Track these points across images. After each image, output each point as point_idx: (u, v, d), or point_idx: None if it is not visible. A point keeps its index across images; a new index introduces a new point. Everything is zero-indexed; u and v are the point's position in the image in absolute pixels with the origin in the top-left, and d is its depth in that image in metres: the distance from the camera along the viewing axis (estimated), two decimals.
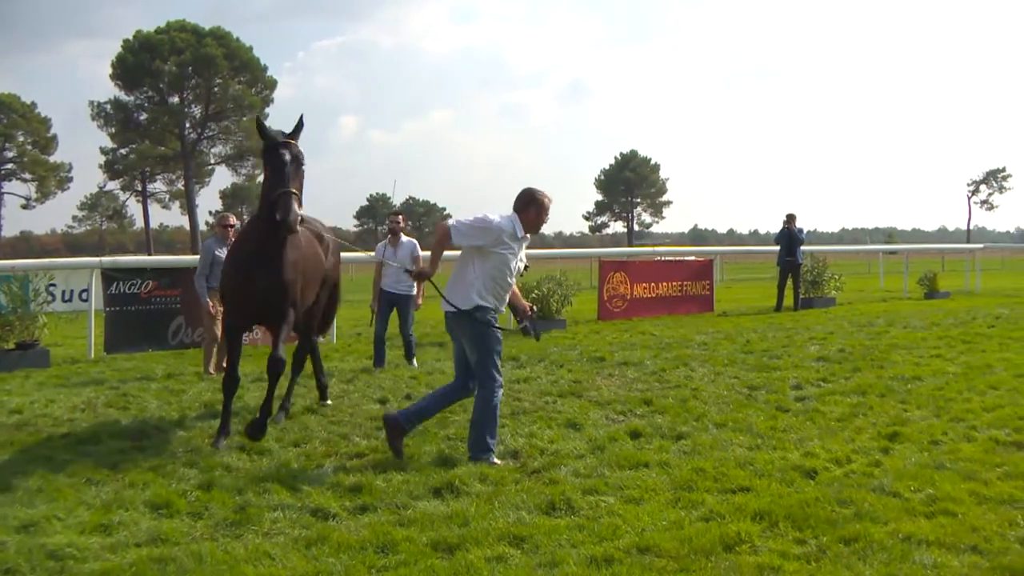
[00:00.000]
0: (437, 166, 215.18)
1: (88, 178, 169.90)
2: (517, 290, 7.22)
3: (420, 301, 11.82)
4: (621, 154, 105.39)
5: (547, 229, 7.87)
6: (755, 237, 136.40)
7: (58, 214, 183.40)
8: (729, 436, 7.33)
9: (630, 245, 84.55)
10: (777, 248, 20.50)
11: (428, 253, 7.08)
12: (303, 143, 7.23)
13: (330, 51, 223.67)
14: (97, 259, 13.92)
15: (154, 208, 78.84)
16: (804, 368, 10.81)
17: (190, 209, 71.47)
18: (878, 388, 9.31)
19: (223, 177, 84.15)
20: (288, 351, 8.83)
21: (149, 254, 60.67)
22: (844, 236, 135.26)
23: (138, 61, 65.35)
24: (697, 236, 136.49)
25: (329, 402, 9.01)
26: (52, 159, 74.69)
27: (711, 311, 19.70)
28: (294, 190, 6.87)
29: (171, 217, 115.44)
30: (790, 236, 20.01)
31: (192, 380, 10.61)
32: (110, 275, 13.15)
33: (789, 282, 20.07)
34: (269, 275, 7.28)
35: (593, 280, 21.90)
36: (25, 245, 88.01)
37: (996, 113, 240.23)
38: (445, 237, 6.68)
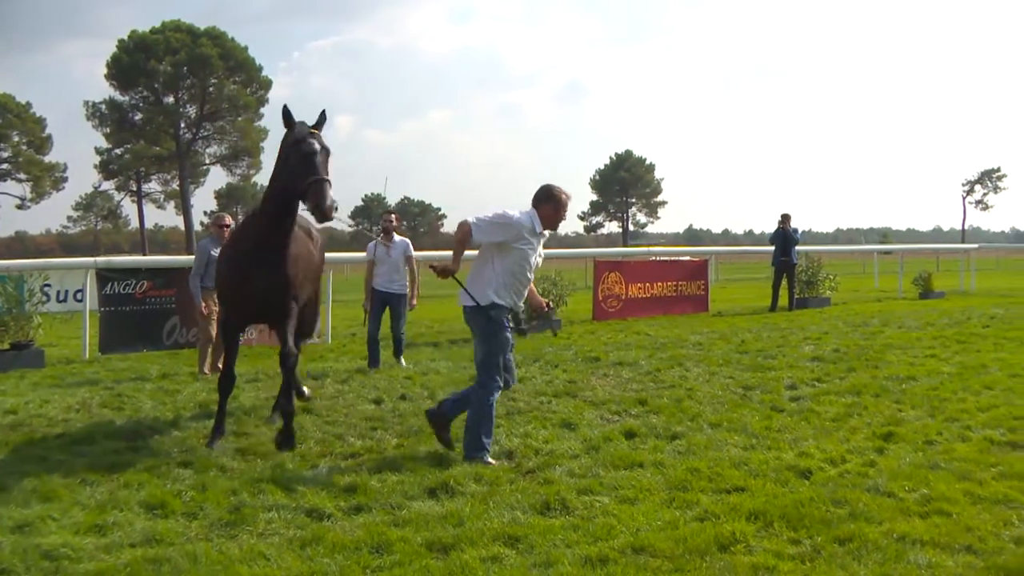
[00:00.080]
0: (434, 166, 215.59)
1: (83, 178, 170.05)
2: (533, 287, 7.24)
3: (415, 302, 11.82)
4: (616, 154, 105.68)
5: None
6: (750, 237, 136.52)
7: (53, 214, 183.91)
8: (724, 436, 7.33)
9: (625, 245, 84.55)
10: (772, 248, 20.50)
11: (448, 252, 7.01)
12: None
13: (325, 51, 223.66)
14: (92, 259, 13.91)
15: (149, 208, 78.91)
16: (799, 368, 10.82)
17: (185, 209, 71.43)
18: (873, 388, 9.32)
19: (218, 177, 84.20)
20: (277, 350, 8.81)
21: (144, 254, 60.73)
22: (839, 236, 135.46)
23: (133, 61, 65.28)
24: (692, 236, 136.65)
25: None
26: (47, 159, 74.53)
27: (706, 311, 19.72)
28: (327, 178, 6.75)
29: (166, 217, 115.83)
30: (785, 236, 20.03)
31: (187, 380, 10.60)
32: (105, 275, 13.13)
33: (784, 282, 20.09)
34: (272, 272, 7.21)
35: (588, 280, 21.90)
36: (20, 245, 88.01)
37: (991, 113, 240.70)
38: (467, 235, 6.63)
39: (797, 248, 20.40)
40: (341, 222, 8.74)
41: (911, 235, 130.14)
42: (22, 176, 73.47)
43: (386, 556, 4.74)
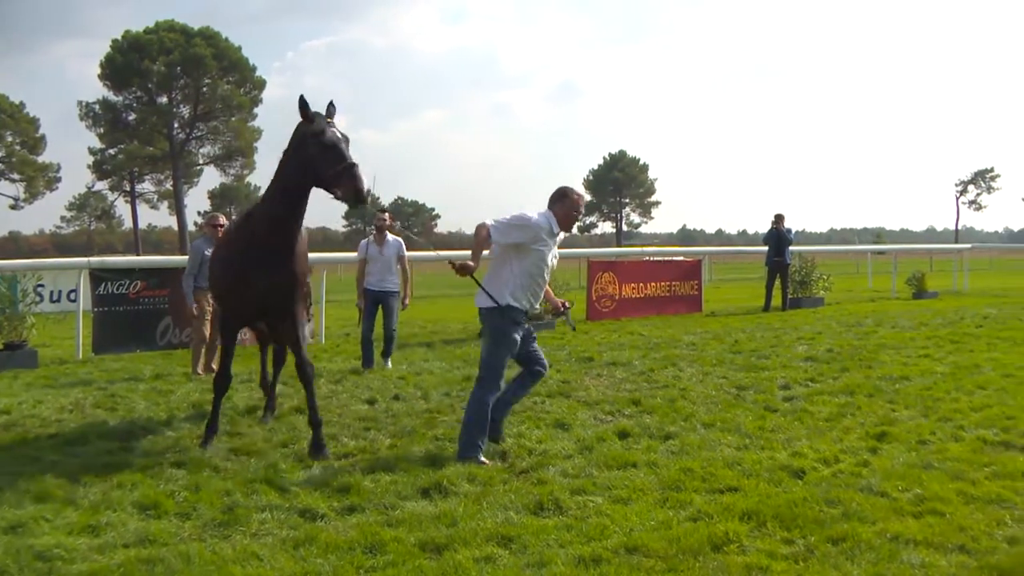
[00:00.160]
0: (428, 166, 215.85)
1: (77, 178, 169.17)
2: (549, 289, 7.26)
3: (408, 301, 11.80)
4: (610, 154, 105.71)
5: None
6: (743, 237, 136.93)
7: (46, 214, 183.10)
8: (717, 436, 7.34)
9: (619, 245, 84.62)
10: (766, 248, 20.53)
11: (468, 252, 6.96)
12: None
13: (319, 51, 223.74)
14: (85, 259, 13.90)
15: (142, 208, 78.59)
16: (792, 368, 10.83)
17: (178, 209, 71.25)
18: (866, 388, 9.34)
19: (211, 177, 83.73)
20: (271, 351, 8.80)
21: (137, 254, 60.48)
22: (832, 236, 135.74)
23: (127, 61, 65.12)
24: (686, 236, 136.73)
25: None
26: (40, 159, 74.24)
27: (699, 311, 19.72)
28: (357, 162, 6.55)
29: (159, 217, 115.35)
30: (778, 236, 20.05)
31: (180, 381, 10.58)
32: (98, 275, 13.12)
33: (777, 282, 20.11)
34: (277, 271, 7.05)
35: (582, 280, 21.87)
36: (13, 245, 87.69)
37: (984, 114, 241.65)
38: (485, 237, 6.61)
39: (791, 248, 20.41)
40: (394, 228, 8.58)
41: (905, 235, 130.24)
42: (16, 176, 73.19)
43: (379, 556, 4.73)
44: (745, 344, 13.28)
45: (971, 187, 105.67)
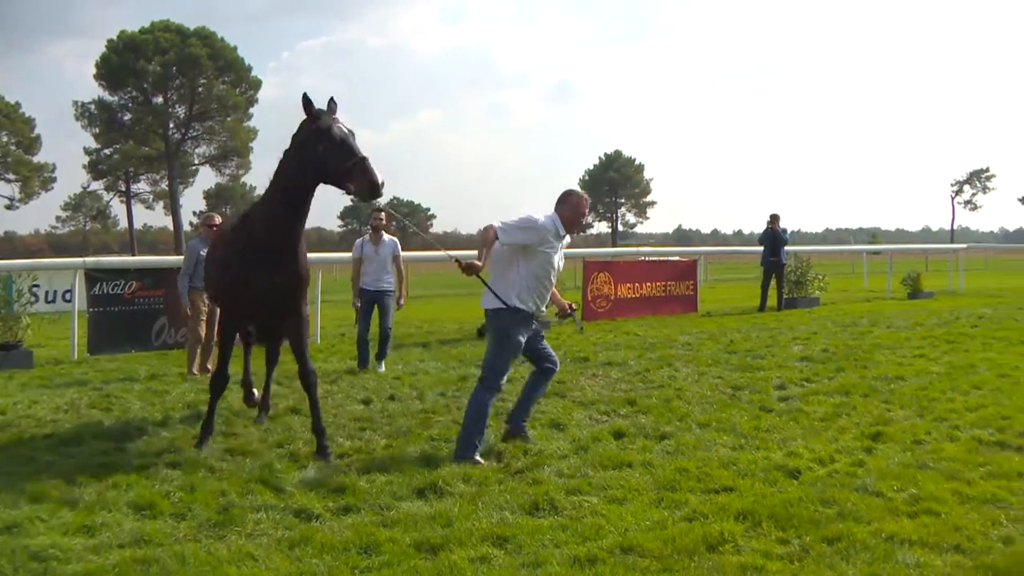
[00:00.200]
0: (425, 166, 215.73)
1: (72, 178, 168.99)
2: (556, 290, 7.27)
3: (403, 302, 11.79)
4: (605, 154, 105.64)
5: None
6: (739, 237, 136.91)
7: (42, 214, 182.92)
8: (712, 436, 7.34)
9: (614, 245, 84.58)
10: (761, 248, 20.56)
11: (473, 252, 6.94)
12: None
13: (315, 51, 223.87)
14: (81, 260, 13.89)
15: (138, 208, 78.48)
16: (787, 368, 10.84)
17: (174, 210, 71.14)
18: (861, 388, 9.35)
19: (207, 177, 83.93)
20: (264, 351, 8.74)
21: (133, 255, 60.41)
22: (828, 236, 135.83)
23: (122, 61, 64.98)
24: (681, 236, 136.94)
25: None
26: (36, 159, 74.05)
27: (695, 311, 19.74)
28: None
29: (155, 218, 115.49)
30: (774, 236, 20.08)
31: (175, 381, 10.56)
32: (93, 276, 13.10)
33: (773, 282, 20.13)
34: (277, 271, 6.98)
35: (577, 280, 21.89)
36: (8, 245, 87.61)
37: (980, 114, 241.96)
38: (493, 239, 6.60)
39: (786, 248, 20.44)
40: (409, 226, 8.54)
41: (900, 235, 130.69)
42: (11, 176, 73.02)
43: (374, 557, 4.73)
44: (741, 344, 13.29)
45: (967, 187, 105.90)
